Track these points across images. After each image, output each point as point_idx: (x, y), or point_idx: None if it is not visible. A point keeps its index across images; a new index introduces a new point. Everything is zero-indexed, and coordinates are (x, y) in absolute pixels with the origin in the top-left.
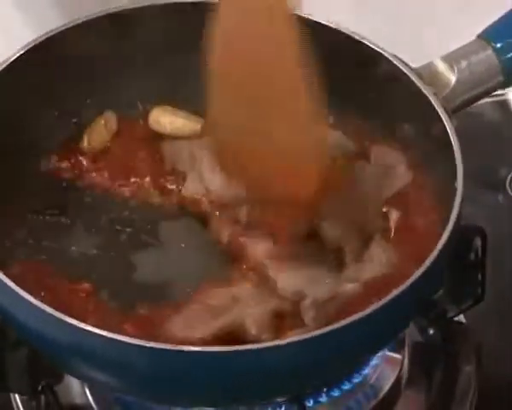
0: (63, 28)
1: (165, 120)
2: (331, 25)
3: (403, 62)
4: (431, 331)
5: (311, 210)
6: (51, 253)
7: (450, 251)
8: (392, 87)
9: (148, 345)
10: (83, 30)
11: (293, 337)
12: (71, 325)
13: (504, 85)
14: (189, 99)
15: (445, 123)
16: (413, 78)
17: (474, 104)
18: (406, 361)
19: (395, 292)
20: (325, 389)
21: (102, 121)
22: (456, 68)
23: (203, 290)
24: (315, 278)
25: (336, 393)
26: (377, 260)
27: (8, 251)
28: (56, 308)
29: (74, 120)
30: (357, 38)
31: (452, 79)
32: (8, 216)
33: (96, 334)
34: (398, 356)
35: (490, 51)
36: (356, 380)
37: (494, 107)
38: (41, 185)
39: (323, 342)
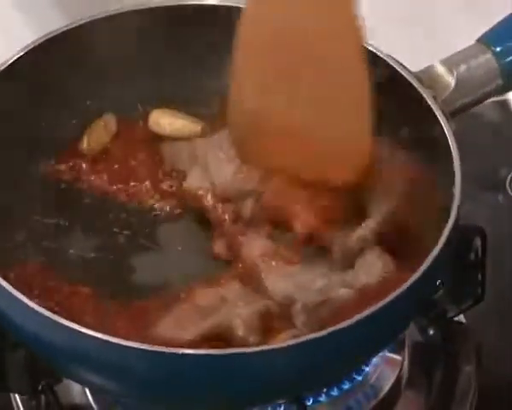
0: (63, 30)
1: (165, 121)
2: None
3: (402, 66)
4: (431, 331)
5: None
6: (50, 255)
7: (450, 251)
8: (392, 90)
9: (144, 348)
10: (82, 31)
11: (294, 340)
12: (67, 327)
13: (504, 89)
14: (189, 101)
15: (444, 126)
16: (412, 81)
17: None
18: (406, 361)
19: (395, 292)
20: (325, 389)
21: (102, 123)
22: (455, 72)
23: (192, 291)
24: (306, 282)
25: (336, 393)
26: (372, 267)
27: (6, 253)
28: (54, 311)
29: (74, 122)
30: None
31: (451, 82)
32: (7, 218)
33: (92, 337)
34: (398, 356)
35: (489, 55)
36: (356, 380)
37: (494, 107)
38: (40, 187)
39: (324, 344)
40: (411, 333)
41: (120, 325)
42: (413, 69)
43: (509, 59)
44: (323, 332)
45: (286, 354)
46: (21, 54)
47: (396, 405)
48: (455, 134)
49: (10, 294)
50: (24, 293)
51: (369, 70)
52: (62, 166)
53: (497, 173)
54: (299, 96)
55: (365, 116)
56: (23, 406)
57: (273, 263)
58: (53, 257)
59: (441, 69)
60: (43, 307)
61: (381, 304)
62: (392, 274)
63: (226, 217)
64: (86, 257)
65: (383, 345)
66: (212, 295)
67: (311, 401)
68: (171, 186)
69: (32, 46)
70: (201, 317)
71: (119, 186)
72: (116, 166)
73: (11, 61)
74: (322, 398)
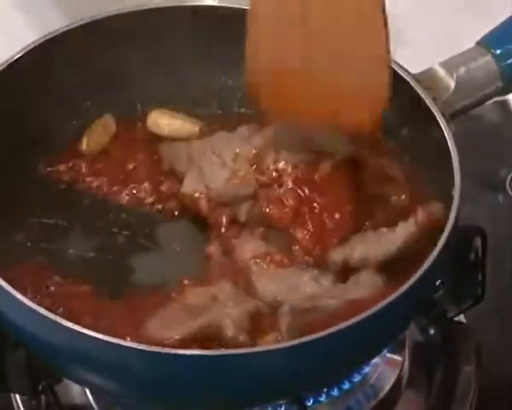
0: (63, 30)
1: (164, 121)
2: None
3: (402, 68)
4: (431, 331)
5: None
6: (49, 255)
7: (451, 251)
8: (392, 92)
9: (142, 348)
10: (82, 31)
11: (295, 340)
12: (66, 327)
13: (503, 92)
14: (189, 101)
15: (444, 128)
16: (412, 83)
17: None
18: (406, 361)
19: (396, 293)
20: (325, 389)
21: (101, 123)
22: (455, 74)
23: (183, 290)
24: (297, 286)
25: (336, 393)
26: (363, 283)
27: (6, 253)
28: (53, 311)
29: (73, 122)
30: None
31: (451, 84)
32: (7, 218)
33: (91, 337)
34: (398, 356)
35: (489, 57)
36: (356, 380)
37: (494, 107)
38: (39, 187)
39: (325, 345)
40: (412, 333)
41: (119, 324)
42: (413, 71)
43: (508, 61)
44: (324, 333)
45: (285, 354)
46: (21, 54)
47: (396, 405)
48: (455, 134)
49: (10, 294)
50: (24, 293)
51: (386, 18)
52: (62, 167)
53: (497, 174)
54: (313, 40)
55: (382, 62)
56: (23, 406)
57: (264, 265)
58: (53, 257)
59: (441, 71)
60: (43, 307)
61: (382, 304)
62: (382, 291)
63: (223, 220)
64: (86, 257)
65: (384, 345)
66: (202, 294)
67: (312, 401)
68: (170, 187)
69: (32, 46)
70: (191, 316)
71: (119, 187)
72: (115, 166)
73: (11, 61)
74: (323, 398)
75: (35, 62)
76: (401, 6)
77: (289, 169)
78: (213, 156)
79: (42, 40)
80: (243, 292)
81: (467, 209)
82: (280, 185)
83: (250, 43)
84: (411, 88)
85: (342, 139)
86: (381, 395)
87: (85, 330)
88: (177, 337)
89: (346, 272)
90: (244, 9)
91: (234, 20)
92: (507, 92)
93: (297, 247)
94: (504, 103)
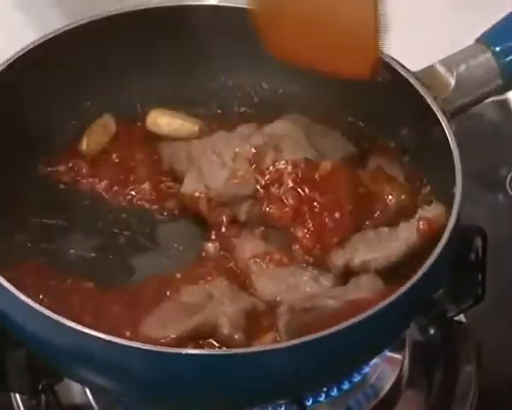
0: (63, 30)
1: (163, 121)
2: None
3: (402, 66)
4: (431, 331)
5: None
6: (49, 255)
7: (451, 251)
8: (392, 90)
9: (143, 348)
10: (82, 31)
11: (295, 340)
12: (67, 327)
13: (503, 89)
14: (188, 101)
15: (444, 126)
16: (412, 81)
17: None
18: (406, 361)
19: (396, 293)
20: (325, 389)
21: (101, 123)
22: (455, 72)
23: (179, 288)
24: (296, 286)
25: (336, 393)
26: (363, 286)
27: (6, 253)
28: (54, 311)
29: (73, 122)
30: None
31: (451, 82)
32: (7, 219)
33: (93, 336)
34: (398, 356)
35: (489, 55)
36: (356, 380)
37: (494, 107)
38: (39, 187)
39: (325, 345)
40: (412, 333)
41: (118, 323)
42: (413, 69)
43: (508, 58)
44: (324, 333)
45: (286, 354)
46: (21, 54)
47: (396, 405)
48: (455, 134)
49: (11, 293)
50: (24, 293)
51: None
52: (62, 167)
53: (497, 173)
54: None
55: (370, 9)
56: (23, 405)
57: (264, 265)
58: (53, 257)
59: (441, 69)
60: (44, 306)
61: (382, 304)
62: (382, 293)
63: (223, 219)
64: (86, 257)
65: (384, 345)
66: (198, 292)
67: (311, 401)
68: (170, 187)
69: (32, 46)
70: (187, 315)
71: (119, 187)
72: (115, 166)
73: (11, 61)
74: (322, 398)
75: (35, 62)
76: (400, 3)
77: (289, 168)
78: (213, 156)
79: (42, 40)
80: (239, 289)
81: (467, 209)
82: (280, 185)
83: None
84: (411, 86)
85: (342, 139)
86: (381, 394)
87: (86, 330)
88: (173, 336)
89: (346, 275)
90: (244, 9)
91: (234, 20)
92: (507, 89)
93: (297, 246)
94: (504, 103)
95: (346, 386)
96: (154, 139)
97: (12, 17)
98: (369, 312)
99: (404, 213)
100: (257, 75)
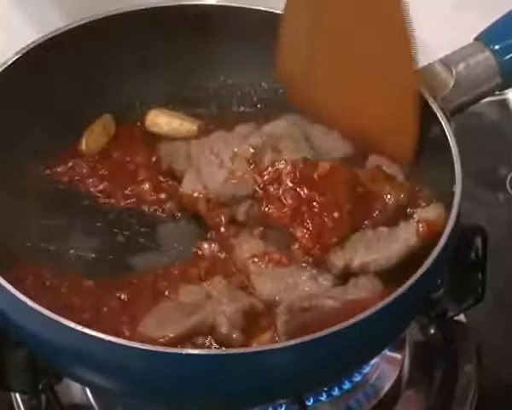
0: (63, 30)
1: (163, 121)
2: None
3: None
4: (431, 331)
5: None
6: (49, 255)
7: (451, 251)
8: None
9: (143, 347)
10: (82, 31)
11: (295, 340)
12: (68, 327)
13: (503, 87)
14: (188, 101)
15: (444, 125)
16: None
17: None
18: (407, 360)
19: (396, 293)
20: (326, 389)
21: (101, 124)
22: (454, 70)
23: (177, 287)
24: (295, 286)
25: (337, 392)
26: (363, 286)
27: (6, 253)
28: (54, 311)
29: (73, 122)
30: None
31: (450, 81)
32: (7, 219)
33: (92, 336)
34: (398, 355)
35: (488, 53)
36: (356, 379)
37: (494, 106)
38: (39, 188)
39: (325, 345)
40: (412, 332)
41: (117, 323)
42: None
43: (507, 57)
44: (324, 332)
45: (286, 354)
46: (21, 54)
47: (396, 404)
48: (454, 133)
49: (11, 293)
50: (24, 293)
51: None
52: (62, 167)
53: (496, 172)
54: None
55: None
56: (23, 405)
57: (263, 265)
58: (53, 257)
59: (440, 68)
60: (44, 306)
61: (381, 304)
62: (382, 293)
63: (221, 219)
64: (86, 257)
65: (384, 344)
66: (196, 292)
67: (312, 400)
68: (170, 187)
69: (32, 46)
70: (185, 314)
71: (119, 187)
72: (115, 166)
73: (11, 61)
74: (323, 398)
75: (34, 63)
76: None
77: (288, 168)
78: (212, 156)
79: (42, 40)
80: (237, 288)
81: (466, 208)
82: (279, 185)
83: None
84: None
85: (341, 139)
86: (381, 394)
87: (86, 330)
88: (171, 336)
89: (345, 275)
90: (244, 8)
91: (233, 20)
92: (506, 88)
93: (296, 246)
94: (504, 102)
95: (346, 386)
96: (154, 139)
97: (12, 17)
98: (368, 312)
99: (404, 212)
100: (256, 75)
